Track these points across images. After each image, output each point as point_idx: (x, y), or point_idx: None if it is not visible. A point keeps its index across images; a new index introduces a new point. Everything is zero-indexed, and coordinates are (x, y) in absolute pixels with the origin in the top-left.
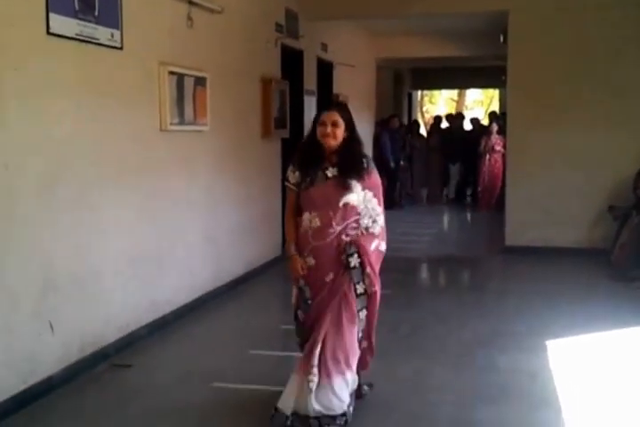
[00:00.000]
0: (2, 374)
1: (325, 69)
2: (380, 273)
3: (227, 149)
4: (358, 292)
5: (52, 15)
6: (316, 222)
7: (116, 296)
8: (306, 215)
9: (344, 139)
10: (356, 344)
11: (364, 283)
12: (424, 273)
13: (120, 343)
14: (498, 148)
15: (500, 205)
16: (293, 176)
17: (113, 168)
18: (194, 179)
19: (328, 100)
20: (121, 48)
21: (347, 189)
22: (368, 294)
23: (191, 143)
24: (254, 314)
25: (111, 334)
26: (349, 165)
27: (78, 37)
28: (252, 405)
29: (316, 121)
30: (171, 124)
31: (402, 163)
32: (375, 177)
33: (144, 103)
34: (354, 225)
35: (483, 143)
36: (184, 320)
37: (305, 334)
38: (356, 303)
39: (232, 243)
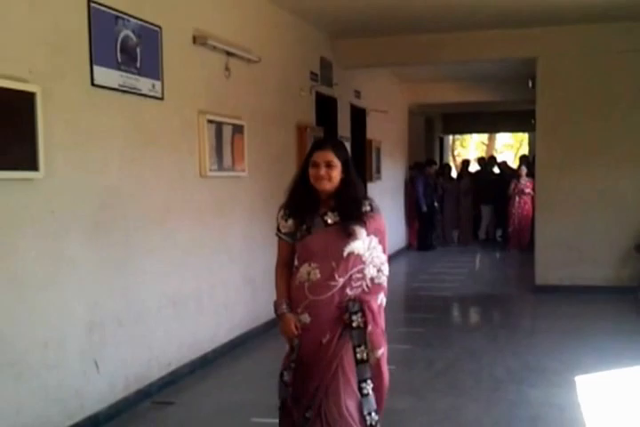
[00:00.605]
0: (50, 411)
1: (359, 115)
2: (414, 312)
3: (264, 193)
4: (358, 357)
5: (95, 67)
6: (316, 275)
7: (159, 336)
8: (304, 268)
9: (341, 180)
10: (356, 418)
11: (365, 346)
12: (457, 311)
13: (162, 381)
14: (527, 190)
15: (531, 245)
16: (285, 225)
17: (155, 213)
18: (232, 222)
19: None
20: (162, 98)
21: (351, 236)
22: (371, 364)
23: (230, 188)
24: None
25: (154, 373)
26: (351, 208)
27: (121, 88)
28: None
29: (307, 161)
30: (210, 170)
31: (435, 204)
32: (379, 221)
33: (184, 150)
34: (358, 275)
35: (512, 186)
36: (224, 358)
37: (287, 394)
38: (355, 373)
39: (269, 284)
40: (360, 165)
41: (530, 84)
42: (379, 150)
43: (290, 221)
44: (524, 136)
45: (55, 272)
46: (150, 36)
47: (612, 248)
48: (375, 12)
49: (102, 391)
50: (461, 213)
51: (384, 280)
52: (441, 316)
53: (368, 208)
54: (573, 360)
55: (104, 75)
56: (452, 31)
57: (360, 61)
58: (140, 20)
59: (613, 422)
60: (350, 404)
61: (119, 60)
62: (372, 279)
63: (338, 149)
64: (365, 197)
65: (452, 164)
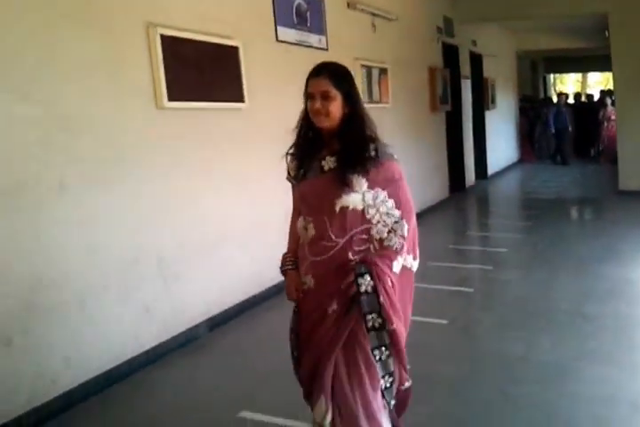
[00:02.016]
0: (226, 292)
1: (476, 60)
2: (524, 210)
3: (404, 119)
4: (370, 325)
5: (279, 27)
6: (312, 231)
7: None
8: (300, 221)
9: (345, 116)
10: (379, 400)
11: (379, 315)
12: (557, 209)
13: None
14: (613, 117)
15: (617, 160)
16: (291, 166)
17: None
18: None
19: (478, 82)
20: (327, 49)
21: (345, 187)
22: (388, 330)
23: (378, 116)
24: (430, 237)
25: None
26: (351, 153)
27: (297, 42)
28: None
29: (305, 92)
30: (363, 102)
31: (569, 128)
32: (390, 169)
33: None
34: (363, 237)
35: (601, 113)
36: None
37: (300, 375)
38: (370, 341)
39: (413, 187)
40: (479, 98)
41: (606, 34)
42: (493, 86)
43: (294, 163)
44: (610, 75)
45: (260, 172)
46: (316, 3)
47: None
48: None
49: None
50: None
51: (396, 243)
52: (545, 212)
53: (373, 153)
54: None
55: (284, 33)
56: None
57: (475, 17)
58: None
59: None
60: (372, 382)
61: (295, 21)
62: (380, 241)
63: (337, 76)
64: (373, 138)
65: (553, 97)
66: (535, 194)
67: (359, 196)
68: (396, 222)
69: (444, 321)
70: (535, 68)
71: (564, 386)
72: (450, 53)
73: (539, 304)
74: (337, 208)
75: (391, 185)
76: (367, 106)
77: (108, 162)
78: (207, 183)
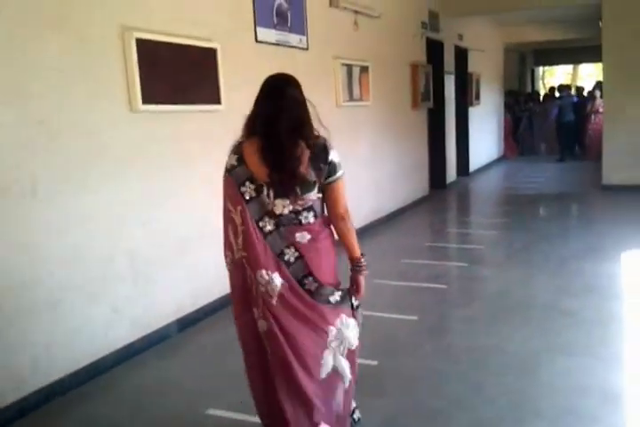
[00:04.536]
0: (197, 293)
1: (461, 54)
2: (502, 206)
3: (385, 117)
4: None
5: (258, 28)
6: None
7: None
8: None
9: None
10: None
11: None
12: (537, 205)
13: None
14: (601, 110)
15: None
16: None
17: None
18: (361, 140)
19: (462, 78)
20: (307, 48)
21: None
22: None
23: (358, 114)
24: (406, 235)
25: None
26: None
27: (277, 43)
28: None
29: None
30: (343, 101)
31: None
32: None
33: (324, 87)
34: None
35: (589, 106)
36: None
37: None
38: None
39: (390, 186)
40: (462, 94)
41: (600, 24)
42: (478, 81)
43: None
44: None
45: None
46: (297, 3)
47: None
48: None
49: None
50: (547, 130)
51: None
52: (523, 209)
53: None
54: (624, 242)
55: (264, 33)
56: None
57: (461, 11)
58: None
59: None
60: None
61: (275, 22)
62: None
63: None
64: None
65: (542, 91)
66: (516, 190)
67: None
68: None
69: (414, 317)
70: (524, 60)
71: (536, 377)
72: (434, 49)
73: (514, 300)
74: None
75: None
76: (347, 104)
77: (80, 165)
78: (181, 185)
